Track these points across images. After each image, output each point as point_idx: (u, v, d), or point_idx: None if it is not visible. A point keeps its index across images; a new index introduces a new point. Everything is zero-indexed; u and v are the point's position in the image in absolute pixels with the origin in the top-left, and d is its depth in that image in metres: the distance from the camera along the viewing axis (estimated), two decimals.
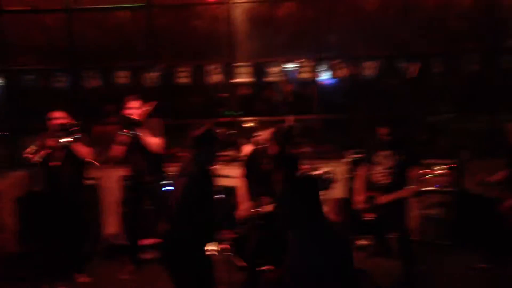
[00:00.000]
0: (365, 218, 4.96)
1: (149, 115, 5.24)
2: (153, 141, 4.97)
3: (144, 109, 5.12)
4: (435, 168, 5.69)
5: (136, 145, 5.04)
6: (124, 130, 4.89)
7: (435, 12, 6.81)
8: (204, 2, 7.09)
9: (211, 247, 5.23)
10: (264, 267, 4.79)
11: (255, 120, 7.06)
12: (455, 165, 5.60)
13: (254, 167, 4.63)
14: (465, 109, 6.83)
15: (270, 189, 4.53)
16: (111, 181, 6.35)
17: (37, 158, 4.77)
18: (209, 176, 3.54)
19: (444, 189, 5.63)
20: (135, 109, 5.10)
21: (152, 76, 6.88)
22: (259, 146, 4.88)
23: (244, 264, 4.80)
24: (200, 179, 3.44)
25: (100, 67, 6.96)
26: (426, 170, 5.59)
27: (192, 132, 3.69)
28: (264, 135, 4.81)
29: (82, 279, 5.04)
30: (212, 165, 3.61)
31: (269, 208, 4.45)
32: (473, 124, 6.86)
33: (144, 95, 6.68)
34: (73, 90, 6.99)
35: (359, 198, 5.02)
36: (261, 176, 4.59)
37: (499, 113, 6.55)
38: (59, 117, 4.97)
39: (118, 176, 6.03)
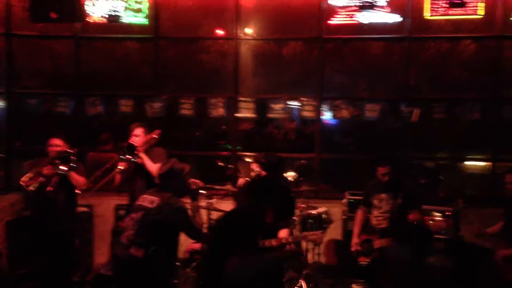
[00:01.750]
0: (360, 262, 4.89)
1: (153, 145, 5.23)
2: (154, 167, 4.95)
3: (148, 137, 5.11)
4: (433, 214, 5.63)
5: (138, 172, 5.02)
6: (125, 156, 4.87)
7: (438, 59, 6.89)
8: (212, 37, 7.20)
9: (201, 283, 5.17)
10: None
11: (255, 155, 7.03)
12: (451, 213, 5.53)
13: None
14: (465, 156, 6.83)
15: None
16: (106, 209, 6.31)
17: (31, 187, 4.73)
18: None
19: (440, 236, 5.55)
20: (139, 136, 5.09)
21: (155, 106, 6.91)
22: (248, 178, 4.87)
23: None
24: (186, 209, 3.50)
25: (104, 94, 7.01)
26: (423, 217, 5.53)
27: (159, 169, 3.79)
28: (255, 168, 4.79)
29: None
30: (182, 197, 3.66)
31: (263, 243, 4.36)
32: (472, 172, 6.84)
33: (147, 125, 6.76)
34: (75, 116, 7.01)
35: (355, 241, 4.97)
36: None
37: (498, 162, 6.53)
38: (57, 144, 4.96)
39: (113, 204, 5.99)
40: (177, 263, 5.63)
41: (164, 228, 3.41)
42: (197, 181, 3.72)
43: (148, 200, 3.57)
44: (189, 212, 3.64)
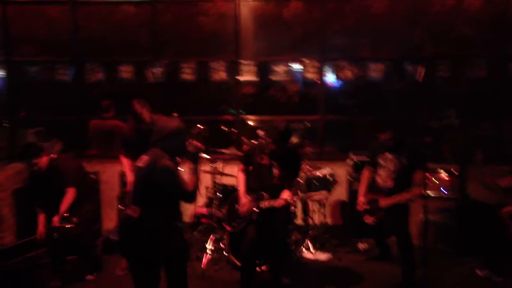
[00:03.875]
0: (367, 221, 4.91)
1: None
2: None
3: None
4: (439, 173, 5.62)
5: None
6: None
7: (443, 16, 6.76)
8: None
9: (207, 246, 5.23)
10: (260, 268, 4.74)
11: (258, 119, 7.00)
12: (458, 170, 5.53)
13: (252, 162, 4.58)
14: (471, 114, 6.77)
15: (269, 184, 4.47)
16: (111, 175, 6.32)
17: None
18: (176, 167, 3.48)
19: (447, 194, 5.56)
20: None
21: (155, 72, 6.83)
22: (256, 142, 4.85)
23: (239, 263, 4.75)
24: (173, 167, 3.40)
25: (103, 61, 6.91)
26: (430, 175, 5.53)
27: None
28: (263, 132, 4.78)
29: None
30: (182, 154, 3.56)
31: (267, 203, 4.39)
32: (478, 130, 6.80)
33: (147, 91, 6.68)
34: (75, 83, 6.94)
35: (361, 200, 4.98)
36: (259, 171, 4.53)
37: (505, 119, 6.48)
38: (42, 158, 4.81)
39: (118, 171, 5.99)
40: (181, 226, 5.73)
41: (154, 187, 3.35)
42: (197, 143, 3.62)
43: (142, 159, 3.51)
44: (186, 173, 3.55)
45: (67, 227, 4.73)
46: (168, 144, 3.47)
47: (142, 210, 3.34)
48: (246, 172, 4.66)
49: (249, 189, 4.55)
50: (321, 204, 5.88)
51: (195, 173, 3.54)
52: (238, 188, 4.64)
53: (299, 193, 4.85)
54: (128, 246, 3.43)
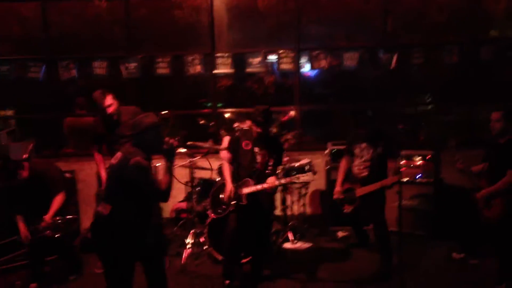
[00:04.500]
0: (344, 210, 4.97)
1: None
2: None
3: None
4: (414, 159, 5.70)
5: None
6: None
7: (416, 3, 6.81)
8: None
9: (187, 240, 5.23)
10: (241, 261, 4.77)
11: (235, 111, 7.00)
12: (433, 156, 5.61)
13: (237, 149, 4.58)
14: (444, 100, 6.86)
15: (254, 170, 4.49)
16: (88, 174, 6.27)
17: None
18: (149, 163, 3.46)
19: (422, 180, 5.64)
20: (113, 105, 4.97)
21: (130, 67, 6.76)
22: (241, 129, 4.86)
23: (219, 256, 4.76)
24: (146, 165, 3.38)
25: (77, 57, 6.81)
26: (404, 161, 5.60)
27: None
28: (246, 122, 4.79)
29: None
30: (157, 151, 3.52)
31: (250, 189, 4.41)
32: (452, 115, 6.90)
33: (122, 86, 6.62)
34: (49, 81, 6.84)
35: (337, 189, 5.03)
36: (243, 157, 4.54)
37: (478, 104, 6.57)
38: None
39: (95, 169, 5.93)
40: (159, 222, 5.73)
41: (125, 185, 3.31)
42: (172, 140, 3.57)
43: (115, 156, 3.47)
44: (161, 169, 3.52)
45: (67, 218, 4.69)
46: (144, 140, 3.43)
47: (114, 207, 3.31)
48: (230, 160, 4.66)
49: (234, 176, 4.57)
50: (301, 194, 5.92)
51: (170, 171, 3.51)
52: (224, 176, 4.64)
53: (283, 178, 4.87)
54: (101, 243, 3.40)
